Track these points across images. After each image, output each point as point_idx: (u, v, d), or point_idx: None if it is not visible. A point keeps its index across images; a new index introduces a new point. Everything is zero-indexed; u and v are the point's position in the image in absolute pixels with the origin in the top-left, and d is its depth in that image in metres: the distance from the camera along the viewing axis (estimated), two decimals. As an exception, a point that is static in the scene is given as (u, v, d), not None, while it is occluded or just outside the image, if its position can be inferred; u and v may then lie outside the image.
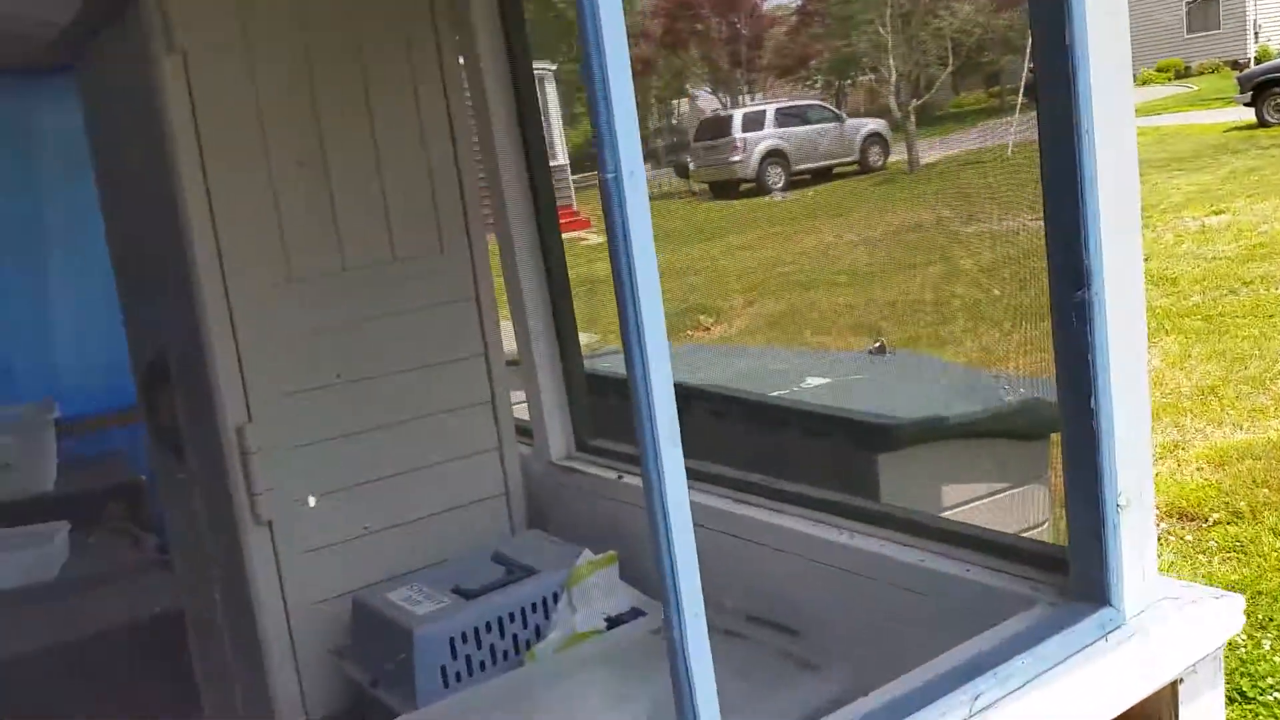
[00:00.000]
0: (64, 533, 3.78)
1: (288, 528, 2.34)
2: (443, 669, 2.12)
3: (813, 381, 3.09)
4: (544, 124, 2.70)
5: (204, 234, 2.12)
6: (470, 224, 2.46)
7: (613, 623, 2.18)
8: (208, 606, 2.66)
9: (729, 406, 2.83)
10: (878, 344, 3.55)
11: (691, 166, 21.42)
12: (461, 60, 2.46)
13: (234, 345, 2.21)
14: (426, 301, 2.43)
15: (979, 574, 1.61)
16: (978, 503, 2.35)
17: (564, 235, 2.65)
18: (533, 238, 2.53)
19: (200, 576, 2.69)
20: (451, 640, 2.13)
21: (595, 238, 16.05)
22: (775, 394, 2.96)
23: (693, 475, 2.20)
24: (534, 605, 2.24)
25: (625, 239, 0.90)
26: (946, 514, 2.27)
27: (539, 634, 2.22)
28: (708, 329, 8.94)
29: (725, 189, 19.02)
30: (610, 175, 0.87)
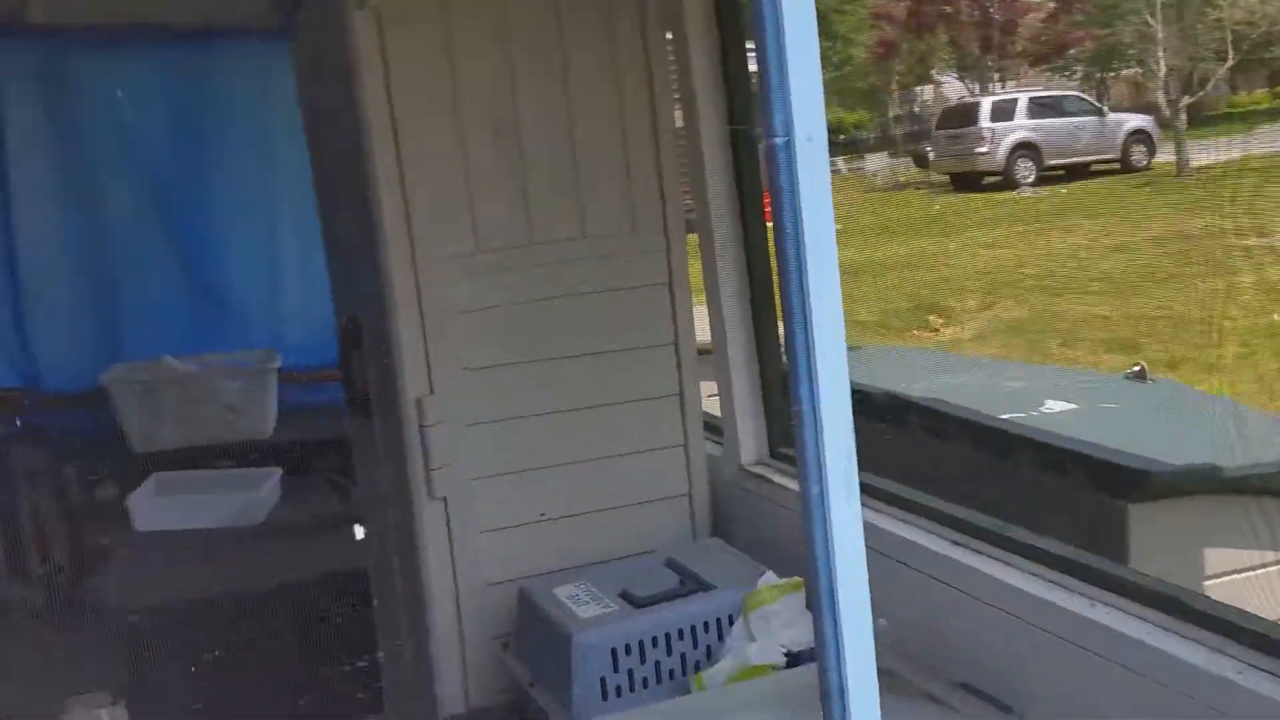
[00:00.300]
0: (276, 479, 3.94)
1: (463, 506, 2.27)
2: (602, 680, 1.97)
3: (1054, 406, 2.69)
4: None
5: (393, 199, 2.05)
6: (667, 204, 2.29)
7: (792, 659, 1.95)
8: (387, 572, 2.65)
9: (952, 426, 2.50)
10: (1137, 367, 3.06)
11: (931, 156, 20.40)
12: (669, 35, 2.28)
13: (419, 315, 2.14)
14: (616, 284, 2.28)
15: (1258, 681, 1.25)
16: (1251, 573, 1.93)
17: (770, 223, 2.42)
18: (734, 223, 2.32)
19: (383, 541, 2.67)
20: (614, 651, 1.98)
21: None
22: (1007, 416, 2.60)
23: (902, 505, 1.98)
24: (706, 624, 2.05)
25: (795, 221, 0.69)
26: (1210, 586, 1.87)
27: (709, 657, 2.03)
28: (936, 330, 8.39)
29: (967, 181, 17.99)
30: (779, 139, 0.65)
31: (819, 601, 0.89)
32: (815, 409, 0.82)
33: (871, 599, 0.84)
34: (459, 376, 2.21)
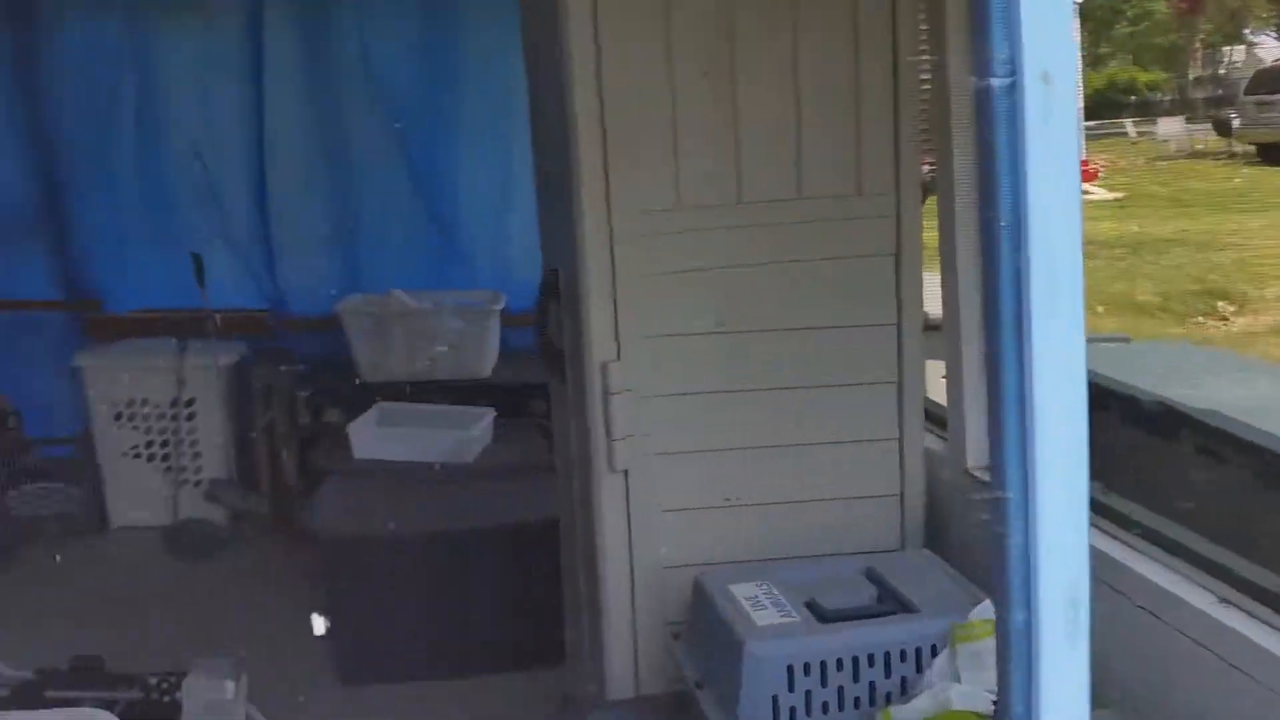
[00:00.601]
0: (489, 420, 3.95)
1: (644, 481, 2.10)
2: (775, 700, 1.75)
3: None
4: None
5: (591, 144, 1.87)
6: (902, 164, 1.98)
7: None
8: (570, 534, 2.54)
9: (1237, 451, 2.02)
10: None
11: (1236, 124, 18.27)
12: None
13: (610, 273, 1.97)
14: (834, 251, 2.01)
15: None
16: None
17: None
18: (982, 187, 1.98)
19: (569, 501, 2.56)
20: (791, 668, 1.76)
21: (1100, 192, 14.19)
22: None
23: (1157, 541, 1.62)
24: (904, 652, 1.79)
25: (1014, 192, 0.43)
26: None
27: (903, 690, 1.77)
28: (1225, 319, 7.39)
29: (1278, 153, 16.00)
30: (1000, 80, 0.40)
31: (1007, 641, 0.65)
32: (1025, 439, 0.58)
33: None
34: (649, 343, 2.02)
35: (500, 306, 4.27)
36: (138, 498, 4.19)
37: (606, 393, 2.02)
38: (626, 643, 2.17)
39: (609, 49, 1.84)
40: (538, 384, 4.26)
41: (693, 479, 2.11)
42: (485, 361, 4.30)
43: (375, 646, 3.08)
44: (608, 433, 2.04)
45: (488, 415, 3.97)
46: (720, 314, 2.05)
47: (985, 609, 1.80)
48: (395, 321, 4.18)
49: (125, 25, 4.16)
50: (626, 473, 2.07)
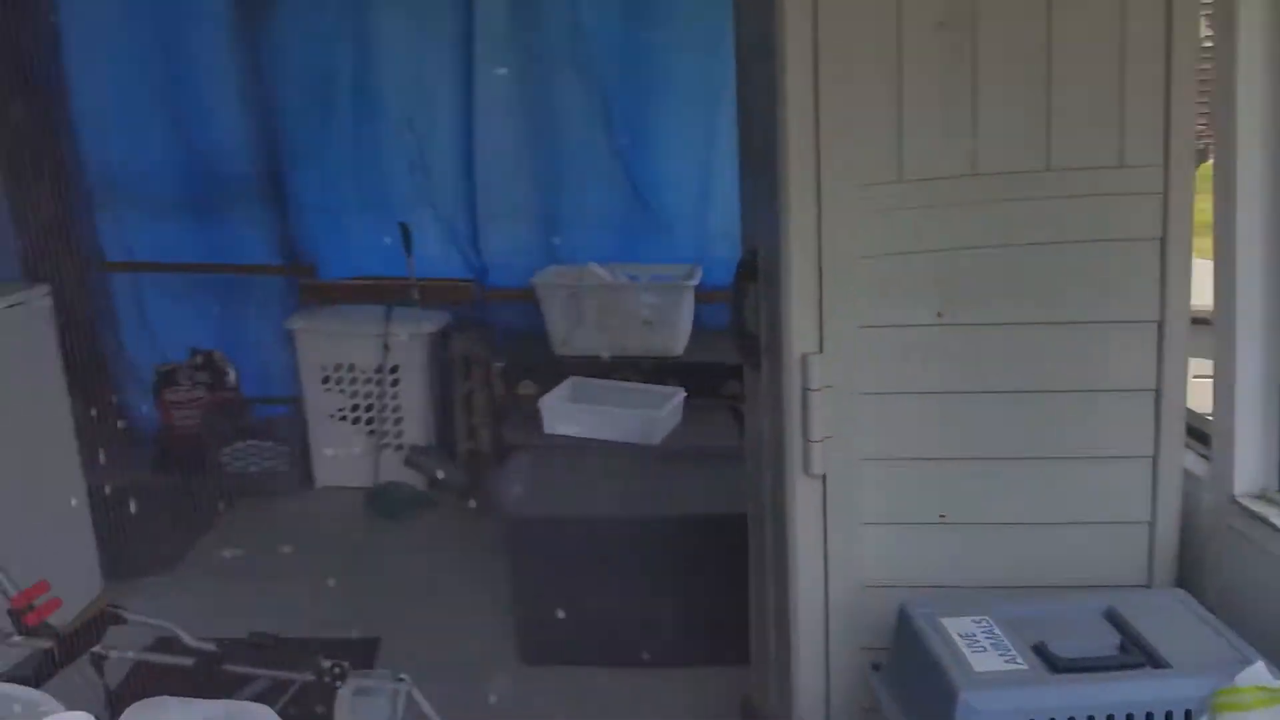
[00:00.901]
0: (678, 400, 3.80)
1: (843, 489, 1.87)
2: (991, 759, 1.51)
3: None
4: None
5: (800, 103, 1.65)
6: (1173, 131, 1.64)
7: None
8: (759, 533, 2.35)
9: None
10: None
11: None
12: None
13: (816, 253, 1.74)
14: (1086, 233, 1.70)
15: None
16: None
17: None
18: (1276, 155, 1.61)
19: (759, 499, 2.37)
20: (1015, 727, 1.50)
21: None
22: None
23: None
24: (1150, 716, 1.50)
25: None
26: None
27: (1147, 763, 1.48)
28: None
29: None
30: None
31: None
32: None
33: None
34: (857, 334, 1.79)
35: (695, 281, 4.11)
36: (342, 459, 4.32)
37: (806, 388, 1.81)
38: (817, 662, 1.96)
39: (828, 4, 1.60)
40: (731, 364, 4.11)
41: (901, 490, 1.87)
42: (678, 338, 4.15)
43: (556, 627, 3.00)
44: (805, 433, 1.82)
45: (677, 395, 3.83)
46: (942, 303, 1.79)
47: (1259, 673, 1.49)
48: (589, 295, 4.09)
49: (345, -3, 4.24)
50: (824, 478, 1.86)
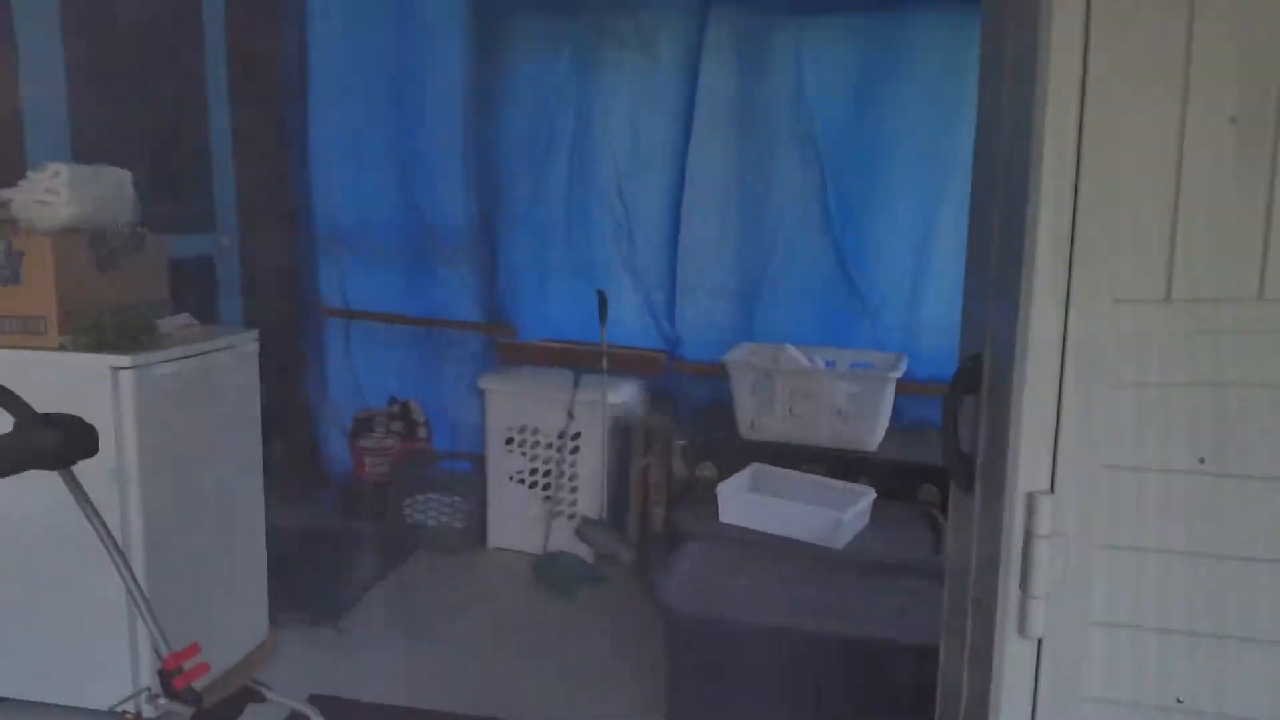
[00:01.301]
0: (868, 501, 3.53)
1: (1064, 656, 1.57)
2: None
3: None
4: None
5: (1055, 198, 1.41)
6: None
7: None
8: (951, 683, 2.05)
9: None
10: None
11: None
12: None
13: (1057, 376, 1.48)
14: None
15: None
16: None
17: None
18: None
19: (955, 645, 2.08)
20: None
21: None
22: None
23: None
24: None
25: None
26: None
27: None
28: None
29: None
30: None
31: None
32: None
33: None
34: (1098, 475, 1.51)
35: (899, 374, 3.84)
36: (515, 523, 4.27)
37: (1030, 533, 1.53)
38: None
39: (1097, 81, 1.37)
40: (930, 465, 3.79)
41: (1133, 665, 1.55)
42: (874, 432, 3.88)
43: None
44: (1024, 586, 1.55)
45: (867, 496, 3.55)
46: (1206, 447, 1.48)
47: None
48: (782, 378, 3.89)
49: (572, 62, 4.28)
50: (1041, 641, 1.57)
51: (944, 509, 3.74)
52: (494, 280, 4.56)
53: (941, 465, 3.70)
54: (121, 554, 1.80)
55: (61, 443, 1.64)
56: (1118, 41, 1.36)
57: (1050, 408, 1.50)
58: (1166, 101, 1.36)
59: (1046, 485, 1.53)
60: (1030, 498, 1.53)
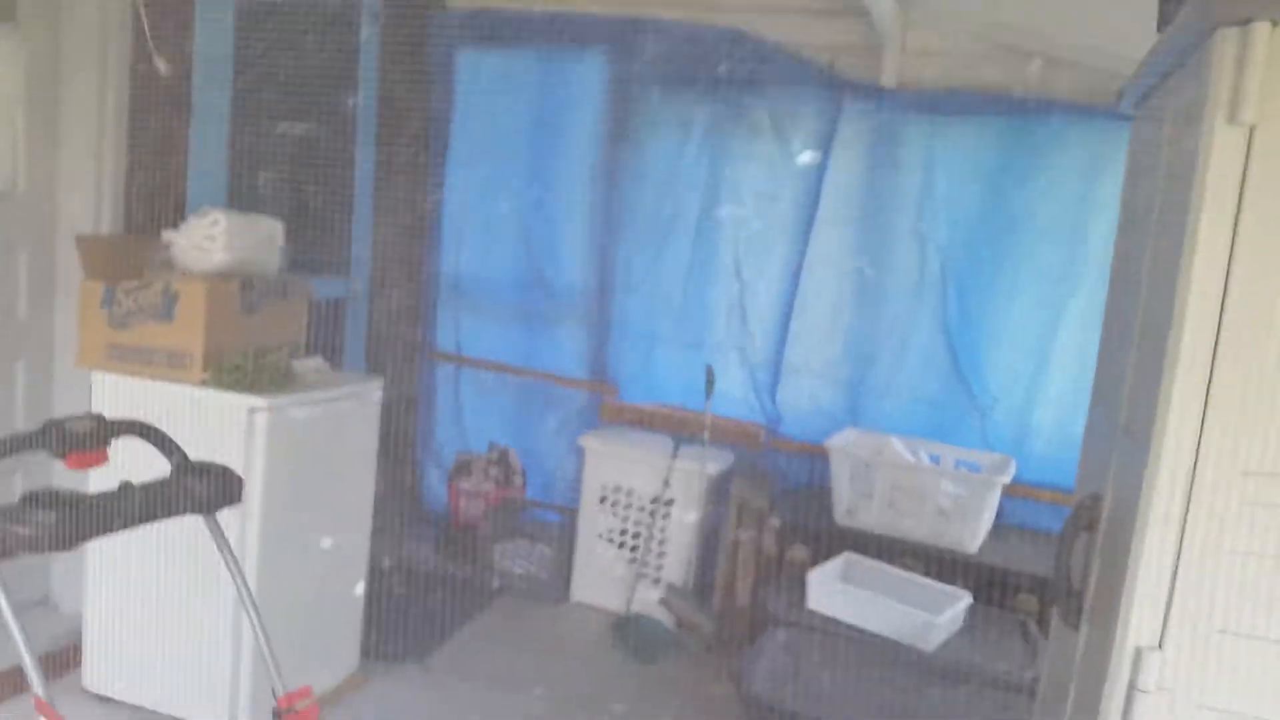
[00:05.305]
0: (963, 606, 3.48)
1: (1161, 813, 1.55)
2: None
3: None
4: None
5: (1194, 370, 1.42)
6: None
7: None
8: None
9: None
10: None
11: None
12: None
13: (1177, 539, 1.48)
14: None
15: None
16: None
17: None
18: None
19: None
20: None
21: None
22: None
23: None
24: None
25: None
26: None
27: None
28: None
29: None
30: None
31: None
32: None
33: None
34: (1208, 638, 1.49)
35: (1006, 478, 3.79)
36: (600, 580, 4.33)
37: (1133, 687, 1.52)
38: None
39: (1245, 253, 1.38)
40: (1031, 573, 3.72)
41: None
42: (975, 534, 3.82)
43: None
44: (1127, 738, 1.53)
45: (963, 600, 3.51)
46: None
47: None
48: (884, 470, 3.88)
49: (704, 142, 4.39)
50: (1135, 802, 1.55)
51: (1040, 620, 3.66)
52: (604, 342, 4.67)
53: (1041, 575, 3.64)
54: (252, 598, 1.92)
55: (212, 491, 1.77)
56: (1268, 223, 1.38)
57: (1168, 569, 1.49)
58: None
59: (1156, 642, 1.52)
60: (1139, 652, 1.52)
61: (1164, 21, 1.86)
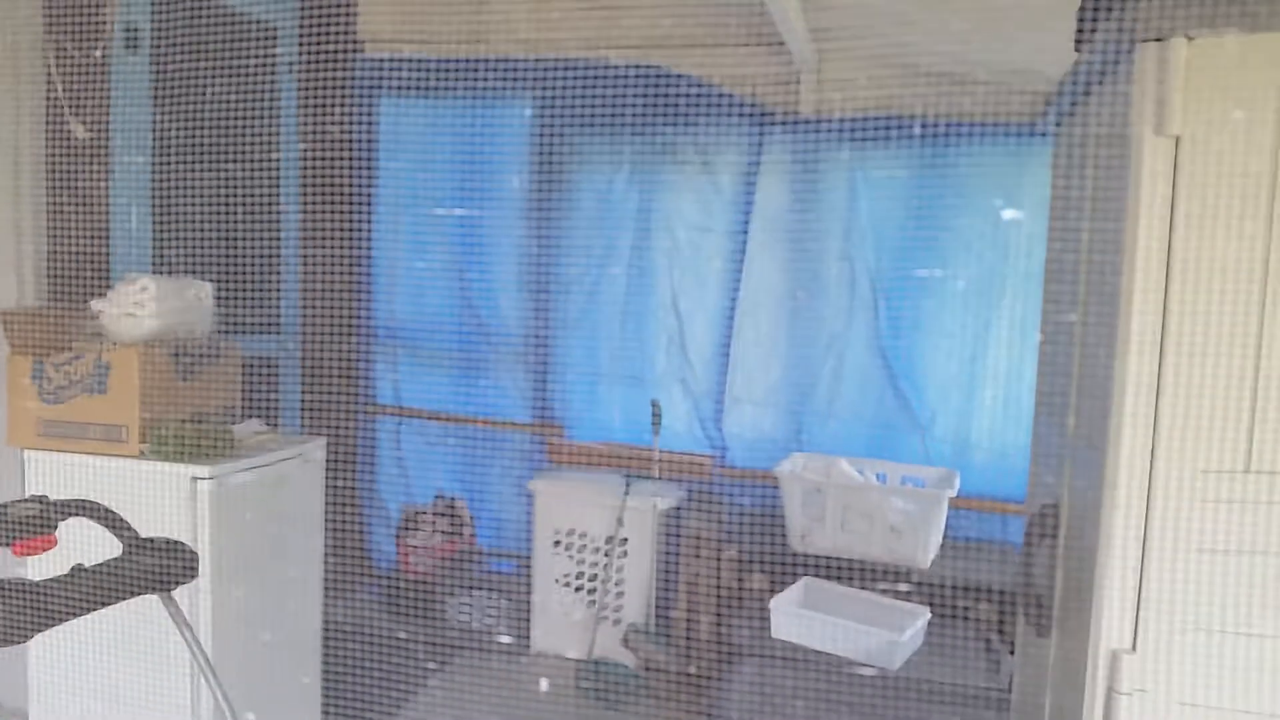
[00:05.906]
0: (922, 623, 3.51)
1: (1146, 813, 1.57)
2: None
3: None
4: None
5: (1140, 368, 1.46)
6: None
7: None
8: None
9: None
10: None
11: None
12: None
13: (1140, 543, 1.52)
14: None
15: None
16: None
17: None
18: None
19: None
20: None
21: None
22: None
23: None
24: None
25: None
26: None
27: None
28: None
29: None
30: None
31: None
32: None
33: None
34: (1180, 636, 1.53)
35: (952, 492, 3.85)
36: (559, 626, 4.27)
37: (1112, 689, 1.55)
38: None
39: (1185, 248, 1.43)
40: (987, 585, 3.77)
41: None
42: (927, 550, 3.86)
43: None
44: (1108, 741, 1.56)
45: (921, 617, 3.53)
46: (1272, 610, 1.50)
47: None
48: (834, 492, 3.90)
49: (632, 177, 4.42)
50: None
51: (1000, 630, 3.71)
52: (546, 383, 4.64)
53: (996, 585, 3.68)
54: (216, 675, 1.84)
55: (167, 569, 1.70)
56: (1202, 225, 1.43)
57: (1133, 572, 1.53)
58: (1250, 273, 1.42)
59: (1129, 644, 1.55)
60: (1114, 656, 1.55)
61: (1081, 41, 1.93)
